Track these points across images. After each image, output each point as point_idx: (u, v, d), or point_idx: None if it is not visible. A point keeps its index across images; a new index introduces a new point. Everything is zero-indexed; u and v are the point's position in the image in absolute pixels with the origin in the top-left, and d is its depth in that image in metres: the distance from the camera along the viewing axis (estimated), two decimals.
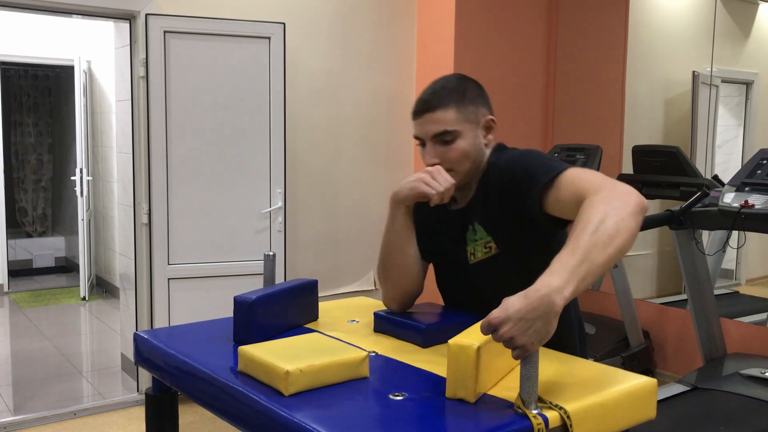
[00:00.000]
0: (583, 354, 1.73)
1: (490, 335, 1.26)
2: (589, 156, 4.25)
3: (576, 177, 1.46)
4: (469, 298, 1.73)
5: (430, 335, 1.58)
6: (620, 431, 1.34)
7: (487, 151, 1.68)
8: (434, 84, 1.64)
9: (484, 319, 1.20)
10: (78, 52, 6.36)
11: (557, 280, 1.22)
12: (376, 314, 1.70)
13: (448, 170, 1.61)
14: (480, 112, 1.64)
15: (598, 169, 4.22)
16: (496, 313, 1.19)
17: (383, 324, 1.68)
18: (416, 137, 1.65)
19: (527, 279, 1.32)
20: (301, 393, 1.28)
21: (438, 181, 1.57)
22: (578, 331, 1.74)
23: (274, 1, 4.09)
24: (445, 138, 1.60)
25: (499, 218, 1.62)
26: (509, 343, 1.18)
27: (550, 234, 1.61)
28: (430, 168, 1.59)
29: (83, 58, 6.29)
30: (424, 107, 1.61)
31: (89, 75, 6.59)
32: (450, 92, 1.61)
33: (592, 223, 1.30)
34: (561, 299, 1.20)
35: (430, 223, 1.77)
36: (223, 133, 3.86)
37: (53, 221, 8.30)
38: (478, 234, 1.65)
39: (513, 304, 1.19)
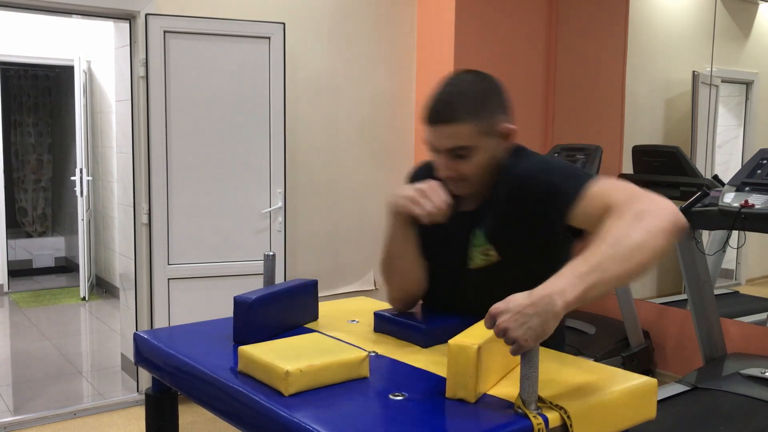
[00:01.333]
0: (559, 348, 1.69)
1: (489, 336, 1.27)
2: (589, 156, 4.25)
3: (607, 188, 1.40)
4: (459, 303, 1.69)
5: (430, 335, 1.58)
6: (620, 431, 1.34)
7: (503, 154, 1.60)
8: (450, 87, 1.52)
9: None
10: (78, 52, 6.36)
11: (562, 284, 1.21)
12: (376, 314, 1.70)
13: (461, 180, 1.55)
14: (498, 121, 1.55)
15: (598, 170, 4.23)
16: (498, 305, 1.21)
17: (383, 324, 1.68)
18: (428, 143, 1.56)
19: (526, 287, 1.30)
20: (301, 393, 1.28)
21: (430, 201, 1.50)
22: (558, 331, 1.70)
23: (274, 0, 4.09)
24: (460, 153, 1.52)
25: (507, 225, 1.56)
26: (505, 335, 1.19)
27: (561, 243, 1.58)
28: (422, 186, 1.53)
29: (83, 58, 6.29)
30: (438, 117, 1.50)
31: (89, 75, 6.59)
32: (468, 102, 1.49)
33: (614, 235, 1.27)
34: (562, 302, 1.20)
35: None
36: (223, 133, 3.85)
37: (53, 221, 8.30)
38: (477, 240, 1.61)
39: (515, 298, 1.21)
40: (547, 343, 1.54)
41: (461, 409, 1.23)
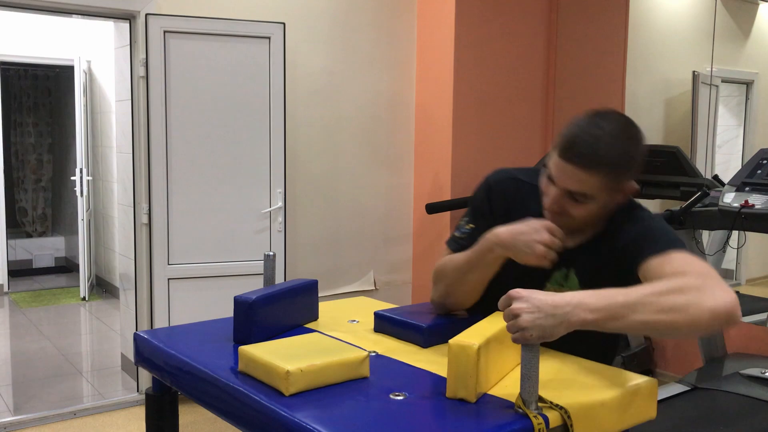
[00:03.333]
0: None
1: (490, 336, 1.27)
2: None
3: (689, 260, 1.37)
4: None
5: (430, 335, 1.58)
6: (621, 431, 1.34)
7: (615, 206, 1.52)
8: (599, 130, 1.41)
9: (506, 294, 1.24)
10: (78, 52, 6.35)
11: (591, 302, 1.23)
12: (376, 314, 1.70)
13: (565, 218, 1.48)
14: (627, 179, 1.47)
15: None
16: (520, 290, 1.22)
17: (383, 324, 1.68)
18: (550, 172, 1.48)
19: (593, 342, 1.44)
20: (302, 393, 1.28)
21: (549, 247, 1.42)
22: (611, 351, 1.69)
23: (274, 1, 4.09)
24: (578, 198, 1.45)
25: (600, 276, 1.49)
26: (514, 320, 1.20)
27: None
28: (545, 238, 1.42)
29: (83, 58, 6.29)
30: (577, 159, 1.40)
31: (89, 75, 6.59)
32: (612, 157, 1.40)
33: (666, 287, 1.27)
34: (581, 318, 1.22)
35: (505, 219, 1.55)
36: (224, 133, 3.85)
37: (53, 221, 8.30)
38: (569, 282, 1.55)
39: (540, 293, 1.22)
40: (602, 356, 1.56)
41: (461, 409, 1.23)
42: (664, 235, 1.45)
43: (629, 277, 1.42)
